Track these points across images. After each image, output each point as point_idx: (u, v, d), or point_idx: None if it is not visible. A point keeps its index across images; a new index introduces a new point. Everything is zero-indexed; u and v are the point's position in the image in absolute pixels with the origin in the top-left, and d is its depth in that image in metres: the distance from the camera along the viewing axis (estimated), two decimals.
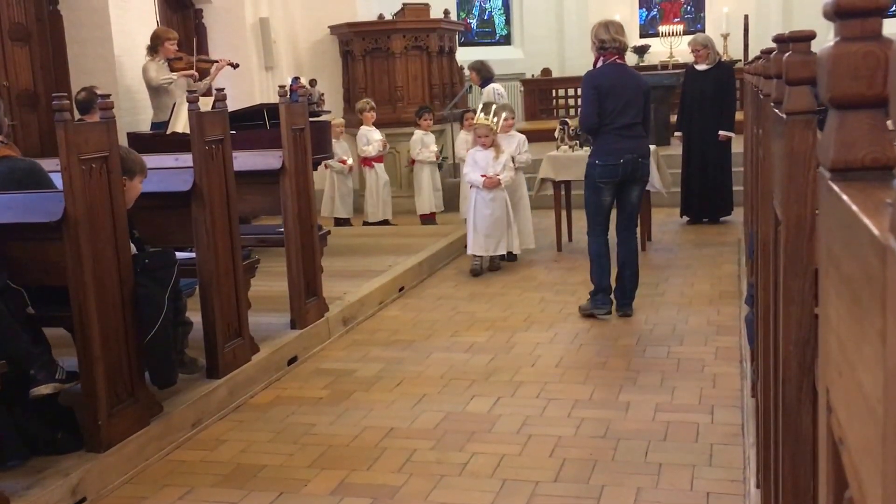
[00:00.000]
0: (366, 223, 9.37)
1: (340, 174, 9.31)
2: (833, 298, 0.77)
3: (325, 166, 9.24)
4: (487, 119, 7.25)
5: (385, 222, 9.40)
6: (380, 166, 9.38)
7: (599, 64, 5.81)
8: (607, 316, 5.83)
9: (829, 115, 0.84)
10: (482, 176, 7.18)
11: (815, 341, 1.58)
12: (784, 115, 1.57)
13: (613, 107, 5.70)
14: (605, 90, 5.69)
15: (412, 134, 9.44)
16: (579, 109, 6.06)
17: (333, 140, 9.23)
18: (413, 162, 9.36)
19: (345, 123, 9.61)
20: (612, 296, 5.90)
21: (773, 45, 2.30)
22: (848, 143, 0.80)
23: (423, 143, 9.22)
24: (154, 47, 7.88)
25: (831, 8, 0.83)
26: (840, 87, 0.80)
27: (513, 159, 7.45)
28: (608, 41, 5.74)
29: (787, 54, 1.57)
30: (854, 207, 0.66)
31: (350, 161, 9.35)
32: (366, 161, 9.35)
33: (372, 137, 9.28)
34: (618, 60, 5.79)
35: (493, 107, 7.46)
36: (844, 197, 0.70)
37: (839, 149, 0.80)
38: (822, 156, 0.84)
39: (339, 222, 9.38)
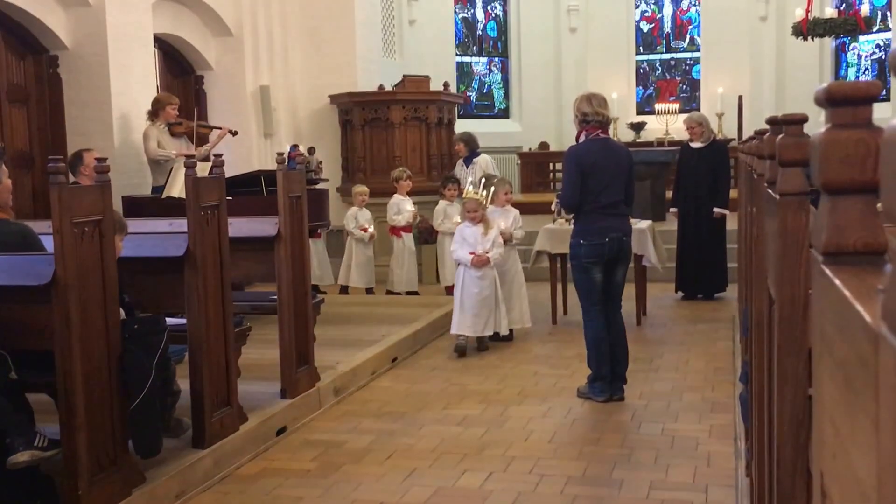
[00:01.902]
0: (389, 292, 9.17)
1: (360, 242, 9.20)
2: (826, 381, 0.76)
3: (346, 234, 9.21)
4: (478, 193, 7.00)
5: (414, 293, 9.19)
6: (408, 236, 9.21)
7: (582, 138, 5.61)
8: (606, 403, 5.58)
9: (821, 199, 0.83)
10: (471, 253, 6.90)
11: (809, 422, 1.55)
12: (777, 196, 1.57)
13: (596, 185, 5.49)
14: (589, 167, 5.47)
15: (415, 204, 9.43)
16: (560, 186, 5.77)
17: (356, 208, 9.18)
18: (436, 233, 9.17)
19: (368, 192, 9.41)
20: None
21: (767, 125, 2.32)
22: (840, 227, 0.79)
23: (445, 213, 8.92)
24: (155, 112, 7.97)
25: (823, 96, 0.83)
26: (832, 173, 0.80)
27: (511, 235, 7.29)
28: (591, 114, 5.53)
29: (780, 136, 1.58)
30: (846, 293, 0.64)
31: (371, 230, 9.24)
32: (394, 230, 9.21)
33: (404, 207, 9.14)
34: (601, 134, 5.59)
35: (484, 180, 7.22)
36: (837, 281, 0.69)
37: (831, 233, 0.79)
38: (815, 239, 0.83)
39: (344, 290, 9.31)
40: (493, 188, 7.35)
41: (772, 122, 2.05)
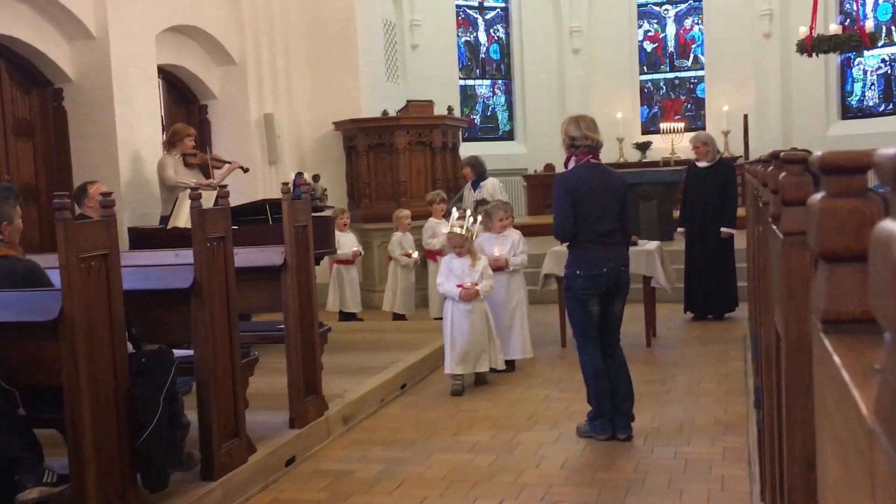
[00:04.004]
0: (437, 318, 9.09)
1: (405, 268, 9.12)
2: (829, 454, 0.74)
3: (389, 259, 9.17)
4: (461, 230, 6.58)
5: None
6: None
7: (571, 164, 5.33)
8: (609, 441, 5.26)
9: (819, 267, 0.82)
10: (458, 286, 6.51)
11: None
12: (781, 235, 1.55)
13: (590, 212, 5.19)
14: (580, 195, 5.18)
15: (417, 229, 9.40)
16: (553, 216, 5.39)
17: (400, 233, 9.11)
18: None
19: (411, 215, 9.31)
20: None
21: (775, 146, 2.31)
22: (838, 295, 0.77)
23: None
24: (173, 142, 8.01)
25: (817, 165, 0.82)
26: (828, 242, 0.78)
27: (507, 262, 6.99)
28: (579, 138, 5.25)
29: (782, 175, 1.56)
30: (844, 374, 0.63)
31: (416, 255, 9.16)
32: (430, 254, 9.12)
33: (439, 231, 8.92)
34: (591, 160, 5.29)
35: (468, 212, 6.94)
36: (836, 358, 0.67)
37: (830, 301, 0.78)
38: (814, 307, 0.82)
39: (346, 317, 9.29)
40: (479, 215, 7.01)
41: (774, 156, 2.04)
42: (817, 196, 0.81)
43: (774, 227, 1.76)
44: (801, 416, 1.49)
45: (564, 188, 5.26)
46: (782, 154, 1.65)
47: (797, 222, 1.50)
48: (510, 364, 7.12)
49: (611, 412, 5.33)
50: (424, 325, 8.82)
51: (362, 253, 9.63)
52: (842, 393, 0.61)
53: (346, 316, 9.31)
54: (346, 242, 9.25)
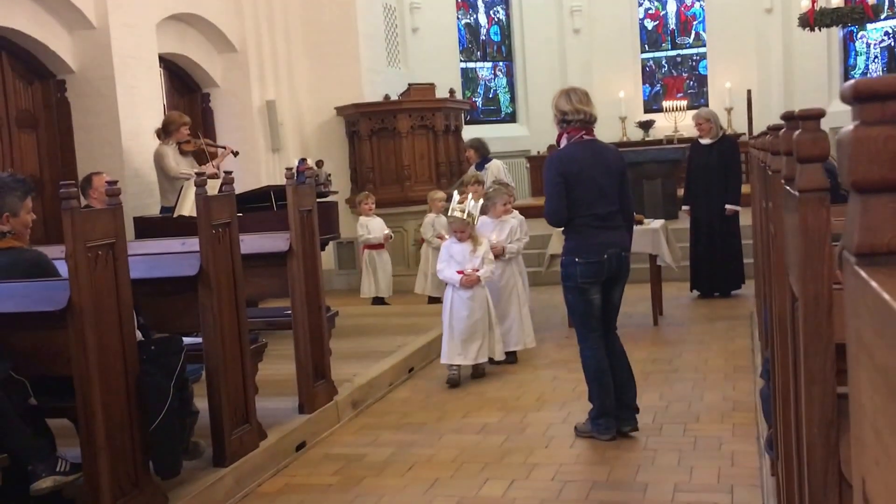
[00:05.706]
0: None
1: (437, 250, 9.07)
2: (866, 386, 0.73)
3: (421, 241, 9.13)
4: (463, 214, 6.30)
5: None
6: None
7: (564, 141, 4.92)
8: (612, 441, 4.90)
9: (851, 199, 0.80)
10: (458, 272, 6.28)
11: (839, 422, 1.53)
12: (797, 193, 1.54)
13: (587, 194, 4.80)
14: (574, 176, 4.78)
15: (421, 213, 9.39)
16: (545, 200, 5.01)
17: (433, 215, 9.02)
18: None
19: (446, 197, 9.07)
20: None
21: (779, 119, 2.29)
22: (872, 227, 0.76)
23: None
24: (168, 132, 7.98)
25: (850, 92, 0.80)
26: (862, 172, 0.77)
27: (503, 250, 6.74)
28: (570, 112, 4.83)
29: (797, 132, 1.55)
30: (886, 296, 0.62)
31: (448, 237, 9.15)
32: None
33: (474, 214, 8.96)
34: (585, 136, 4.87)
35: (469, 197, 6.70)
36: (874, 284, 0.66)
37: (864, 233, 0.77)
38: (847, 240, 0.80)
39: (433, 300, 9.22)
40: (480, 200, 6.73)
41: (787, 117, 2.02)
42: (849, 126, 0.80)
43: (789, 188, 1.74)
44: (820, 375, 1.48)
45: (556, 169, 4.84)
46: (797, 111, 1.64)
47: (813, 179, 1.50)
48: (511, 355, 6.86)
49: (615, 409, 4.98)
50: (432, 308, 8.80)
51: (392, 236, 9.54)
52: (884, 318, 0.60)
53: (376, 301, 9.29)
54: (375, 227, 9.20)
